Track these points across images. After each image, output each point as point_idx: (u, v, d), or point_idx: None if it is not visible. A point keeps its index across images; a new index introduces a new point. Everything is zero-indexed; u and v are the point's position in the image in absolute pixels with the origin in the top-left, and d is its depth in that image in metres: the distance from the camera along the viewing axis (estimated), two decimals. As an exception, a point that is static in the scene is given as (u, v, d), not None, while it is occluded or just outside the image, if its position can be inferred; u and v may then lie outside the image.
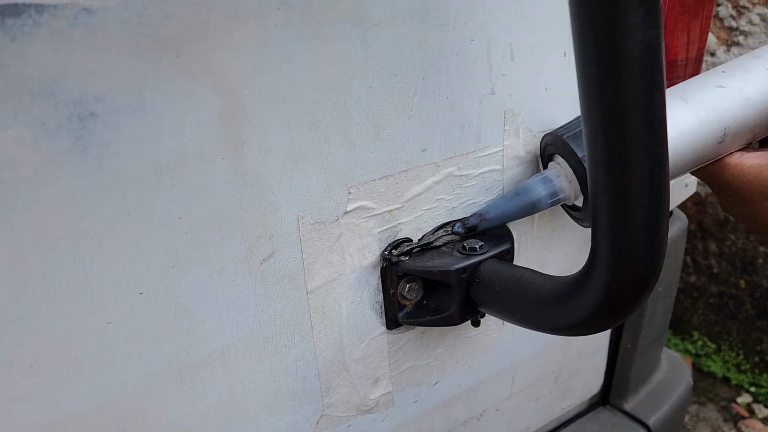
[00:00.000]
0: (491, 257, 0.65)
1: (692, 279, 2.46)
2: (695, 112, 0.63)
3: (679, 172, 0.66)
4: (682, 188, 1.00)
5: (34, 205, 0.44)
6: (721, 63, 2.12)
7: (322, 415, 0.66)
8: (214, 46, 0.48)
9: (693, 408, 2.27)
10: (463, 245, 0.66)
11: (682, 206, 2.19)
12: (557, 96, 0.74)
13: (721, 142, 0.64)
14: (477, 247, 0.65)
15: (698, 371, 2.44)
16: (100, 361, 0.50)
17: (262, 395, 0.61)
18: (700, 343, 2.50)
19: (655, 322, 1.06)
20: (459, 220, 0.69)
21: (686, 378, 1.17)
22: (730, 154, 0.66)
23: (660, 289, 1.04)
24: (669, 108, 0.45)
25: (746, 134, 0.65)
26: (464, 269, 0.64)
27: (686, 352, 2.50)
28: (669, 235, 1.04)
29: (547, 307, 0.56)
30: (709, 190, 2.30)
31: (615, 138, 0.42)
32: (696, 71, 1.00)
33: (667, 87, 0.94)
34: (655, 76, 0.41)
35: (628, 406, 1.06)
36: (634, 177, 0.43)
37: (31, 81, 0.41)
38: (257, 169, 0.53)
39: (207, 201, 0.51)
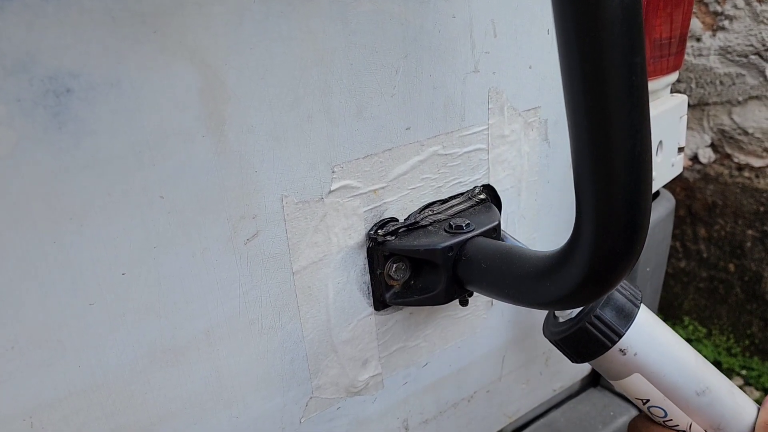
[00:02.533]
0: (478, 235, 0.65)
1: (682, 264, 2.47)
2: None
3: None
4: (668, 168, 1.00)
5: (11, 184, 0.43)
6: (706, 48, 2.14)
7: (311, 397, 0.66)
8: (191, 21, 0.47)
9: (685, 392, 2.28)
10: (450, 224, 0.66)
11: (671, 191, 2.20)
12: (541, 74, 0.73)
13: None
14: (463, 225, 0.65)
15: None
16: (83, 343, 0.50)
17: (249, 377, 0.60)
18: (690, 327, 2.51)
19: (645, 302, 1.07)
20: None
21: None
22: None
23: (648, 269, 1.04)
24: None
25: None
26: (451, 247, 0.63)
27: (677, 337, 2.52)
28: (656, 214, 1.04)
29: (533, 281, 0.56)
30: (697, 175, 2.32)
31: (596, 104, 0.42)
32: (680, 50, 1.00)
33: (653, 66, 0.95)
34: (635, 41, 0.41)
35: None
36: (616, 144, 0.43)
37: (5, 56, 0.41)
38: (239, 147, 0.53)
39: (188, 180, 0.51)
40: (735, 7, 2.04)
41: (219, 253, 0.54)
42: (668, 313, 2.58)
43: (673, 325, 2.56)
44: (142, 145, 0.48)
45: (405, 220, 0.67)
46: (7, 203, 0.43)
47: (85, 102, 0.44)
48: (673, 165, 1.01)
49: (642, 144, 0.44)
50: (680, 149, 1.02)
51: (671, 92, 1.07)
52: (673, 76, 1.03)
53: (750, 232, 2.22)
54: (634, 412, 1.02)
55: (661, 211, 1.05)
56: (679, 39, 1.00)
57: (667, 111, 0.97)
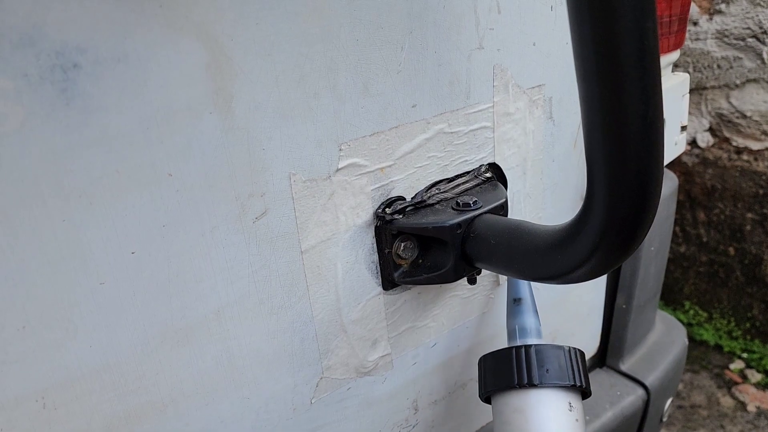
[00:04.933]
0: (486, 212, 0.65)
1: (682, 249, 2.47)
2: None
3: None
4: (672, 146, 1.00)
5: (20, 161, 0.43)
6: (703, 32, 2.13)
7: (321, 378, 0.66)
8: (197, -5, 0.47)
9: (687, 376, 2.29)
10: (457, 201, 0.66)
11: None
12: (545, 51, 0.73)
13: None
14: (471, 202, 0.65)
15: (691, 340, 2.46)
16: (94, 323, 0.49)
17: (260, 357, 0.60)
18: (691, 312, 2.52)
19: (649, 282, 1.07)
20: None
21: (681, 338, 1.18)
22: None
23: (653, 248, 1.04)
24: None
25: None
26: (459, 225, 0.63)
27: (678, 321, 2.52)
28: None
29: (544, 255, 0.56)
30: (696, 160, 2.32)
31: (608, 69, 0.42)
32: (681, 29, 1.00)
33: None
34: (646, 4, 0.40)
35: (624, 366, 1.06)
36: (628, 110, 0.43)
37: (11, 30, 0.40)
38: (246, 124, 0.52)
39: (197, 157, 0.50)
40: (732, -11, 2.04)
41: (228, 232, 0.54)
42: (669, 298, 2.59)
43: (673, 311, 2.57)
44: (149, 122, 0.47)
45: (412, 198, 0.67)
46: (16, 180, 0.43)
47: (92, 77, 0.44)
48: (676, 143, 1.01)
49: (654, 110, 0.44)
50: (683, 128, 1.02)
51: (673, 71, 1.07)
52: (675, 55, 1.03)
53: (749, 215, 2.22)
54: (641, 392, 1.02)
55: (665, 189, 1.05)
56: (680, 18, 0.99)
57: (669, 89, 0.97)
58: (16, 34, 0.40)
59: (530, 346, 0.68)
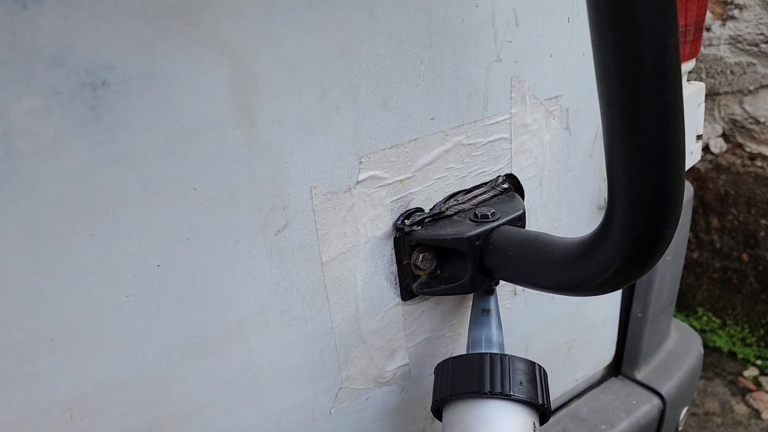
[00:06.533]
0: (504, 224, 0.65)
1: (695, 255, 2.46)
2: None
3: None
4: (687, 156, 1.00)
5: (49, 177, 0.44)
6: (716, 38, 2.13)
7: (340, 388, 0.66)
8: (222, 13, 0.48)
9: (701, 383, 2.28)
10: (475, 213, 0.66)
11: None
12: (562, 62, 0.73)
13: None
14: (489, 214, 0.65)
15: (704, 347, 2.44)
16: (120, 335, 0.50)
17: (281, 368, 0.61)
18: (704, 318, 2.50)
19: (664, 291, 1.07)
20: None
21: (697, 347, 1.18)
22: None
23: (668, 257, 1.04)
24: None
25: None
26: (477, 236, 0.64)
27: (691, 328, 2.51)
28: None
29: (563, 267, 0.56)
30: (709, 165, 2.31)
31: (630, 87, 0.42)
32: (697, 38, 1.00)
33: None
34: (669, 22, 0.41)
35: (640, 375, 1.06)
36: (650, 127, 0.43)
37: (43, 50, 0.41)
38: (269, 138, 0.53)
39: (220, 171, 0.51)
40: (745, -5, 2.03)
41: (250, 245, 0.55)
42: (682, 304, 2.57)
43: (686, 317, 2.55)
44: (175, 137, 0.48)
45: (430, 210, 0.67)
46: (46, 196, 0.44)
47: (120, 95, 0.45)
48: (691, 153, 1.01)
49: (676, 126, 0.44)
50: (698, 137, 1.02)
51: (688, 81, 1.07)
52: (690, 65, 1.02)
53: (763, 221, 2.21)
54: (656, 401, 1.02)
55: (680, 199, 1.05)
56: (695, 26, 0.99)
57: (684, 99, 0.97)
58: (48, 54, 0.41)
59: (505, 354, 0.63)
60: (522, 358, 0.63)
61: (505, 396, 0.60)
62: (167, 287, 0.51)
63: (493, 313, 0.70)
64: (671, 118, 0.43)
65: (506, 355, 0.63)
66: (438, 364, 0.66)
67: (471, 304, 0.76)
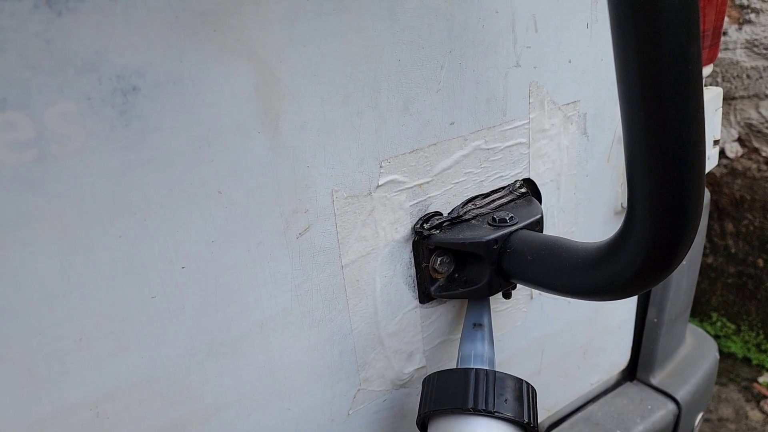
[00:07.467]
0: (522, 228, 0.66)
1: (709, 260, 2.45)
2: None
3: None
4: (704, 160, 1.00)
5: (80, 180, 0.45)
6: (732, 42, 2.12)
7: (359, 390, 0.67)
8: (248, 19, 0.49)
9: (715, 389, 2.27)
10: (493, 217, 0.66)
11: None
12: (580, 67, 0.74)
13: None
14: (507, 218, 0.66)
15: (719, 352, 2.43)
16: (145, 334, 0.51)
17: (300, 369, 0.62)
18: (719, 324, 2.49)
19: (680, 296, 1.06)
20: None
21: (713, 352, 1.17)
22: None
23: (685, 262, 1.04)
24: None
25: None
26: (496, 240, 0.64)
27: (709, 336, 2.50)
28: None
29: (582, 272, 0.56)
30: (725, 170, 2.29)
31: (652, 94, 0.43)
32: (715, 43, 1.00)
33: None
34: (692, 30, 0.41)
35: (655, 380, 1.06)
36: (672, 134, 0.44)
37: (76, 56, 0.42)
38: (292, 142, 0.54)
39: (245, 175, 0.52)
40: (762, -1, 2.02)
41: (273, 247, 0.56)
42: (696, 309, 2.56)
43: (700, 322, 2.54)
44: (201, 141, 0.49)
45: (449, 214, 0.67)
46: (77, 198, 0.45)
47: (149, 100, 0.46)
48: (708, 158, 1.00)
49: (697, 133, 0.44)
50: (715, 142, 1.02)
51: (704, 86, 1.07)
52: (708, 70, 1.02)
53: (779, 226, 2.19)
54: (672, 407, 1.02)
55: (697, 204, 1.05)
56: (713, 32, 0.99)
57: (702, 104, 0.97)
58: (80, 60, 0.42)
59: (492, 371, 0.62)
60: (510, 375, 0.62)
61: (488, 413, 0.59)
62: (191, 288, 0.52)
63: (485, 328, 0.69)
64: (693, 124, 0.44)
65: (493, 371, 0.62)
66: (425, 378, 0.66)
67: (492, 307, 0.76)
